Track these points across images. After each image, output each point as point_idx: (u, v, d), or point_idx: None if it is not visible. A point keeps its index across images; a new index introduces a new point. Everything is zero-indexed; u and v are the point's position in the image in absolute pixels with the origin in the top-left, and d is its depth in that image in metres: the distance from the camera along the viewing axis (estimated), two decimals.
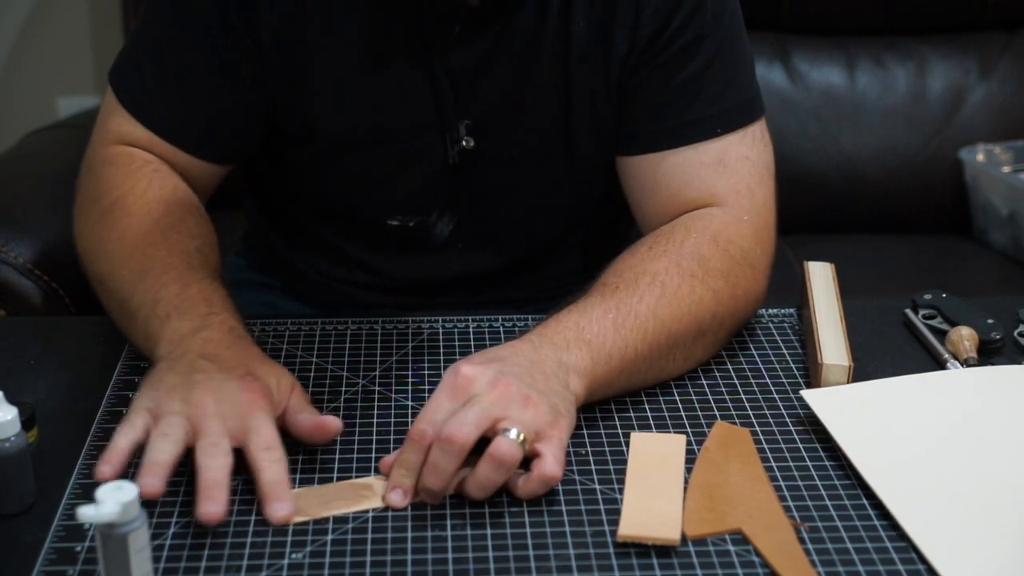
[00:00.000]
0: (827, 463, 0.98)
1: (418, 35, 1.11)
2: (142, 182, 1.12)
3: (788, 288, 1.28)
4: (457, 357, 1.12)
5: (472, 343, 1.15)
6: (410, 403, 1.05)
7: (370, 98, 1.15)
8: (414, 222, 1.22)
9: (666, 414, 1.04)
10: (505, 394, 0.90)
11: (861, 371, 1.09)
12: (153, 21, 1.16)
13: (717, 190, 1.14)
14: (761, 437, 1.01)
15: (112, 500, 0.77)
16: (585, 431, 1.01)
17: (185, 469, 0.96)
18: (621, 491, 0.93)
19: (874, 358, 1.13)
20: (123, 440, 0.89)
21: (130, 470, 0.90)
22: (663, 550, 0.87)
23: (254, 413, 0.92)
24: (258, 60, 1.13)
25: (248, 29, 1.11)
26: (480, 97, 1.15)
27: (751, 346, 1.16)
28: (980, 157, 1.99)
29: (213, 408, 0.91)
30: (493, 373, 0.91)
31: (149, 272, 1.05)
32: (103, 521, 0.76)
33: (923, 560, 0.87)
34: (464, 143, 1.16)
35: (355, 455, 0.98)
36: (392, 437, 1.00)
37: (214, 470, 0.88)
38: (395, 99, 1.15)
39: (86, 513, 0.76)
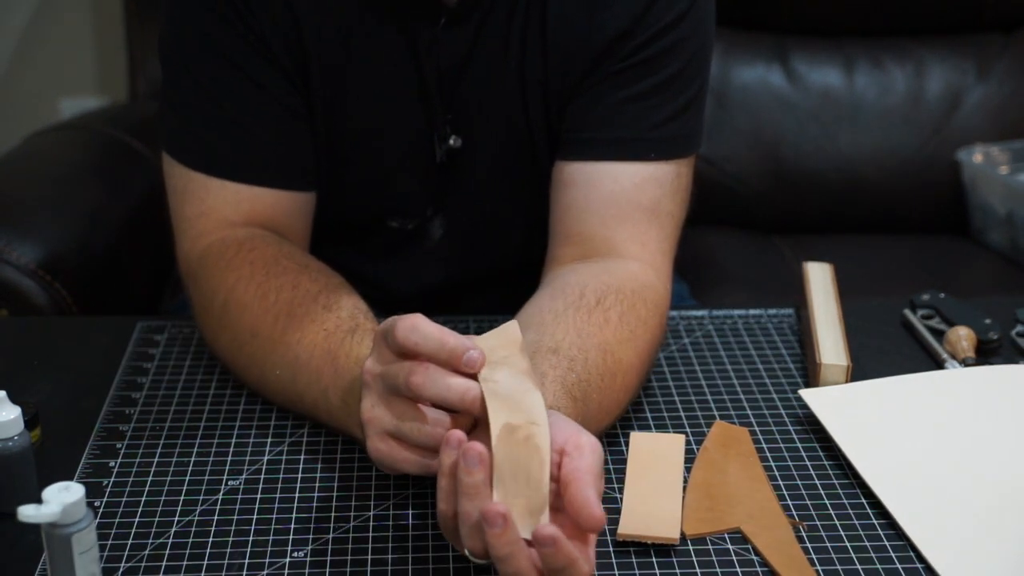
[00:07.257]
0: (826, 462, 0.98)
1: (405, 32, 1.12)
2: (245, 268, 1.07)
3: (787, 288, 1.28)
4: None
5: None
6: None
7: (365, 97, 1.15)
8: (413, 224, 1.22)
9: (665, 414, 1.05)
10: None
11: (859, 371, 1.09)
12: (181, 80, 1.13)
13: (648, 240, 1.11)
14: (760, 437, 1.02)
15: (56, 500, 0.76)
16: None
17: (186, 470, 0.97)
18: (621, 490, 0.94)
19: (872, 358, 1.14)
20: None
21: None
22: (662, 549, 0.88)
23: None
24: (282, 70, 1.12)
25: (264, 45, 1.10)
26: (461, 94, 1.15)
27: (751, 346, 1.16)
28: (978, 158, 1.99)
29: None
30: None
31: (299, 368, 1.00)
32: (44, 521, 0.76)
33: (921, 559, 0.87)
34: (451, 142, 1.17)
35: (357, 454, 0.99)
36: None
37: None
38: (387, 98, 1.15)
39: (26, 512, 0.75)
